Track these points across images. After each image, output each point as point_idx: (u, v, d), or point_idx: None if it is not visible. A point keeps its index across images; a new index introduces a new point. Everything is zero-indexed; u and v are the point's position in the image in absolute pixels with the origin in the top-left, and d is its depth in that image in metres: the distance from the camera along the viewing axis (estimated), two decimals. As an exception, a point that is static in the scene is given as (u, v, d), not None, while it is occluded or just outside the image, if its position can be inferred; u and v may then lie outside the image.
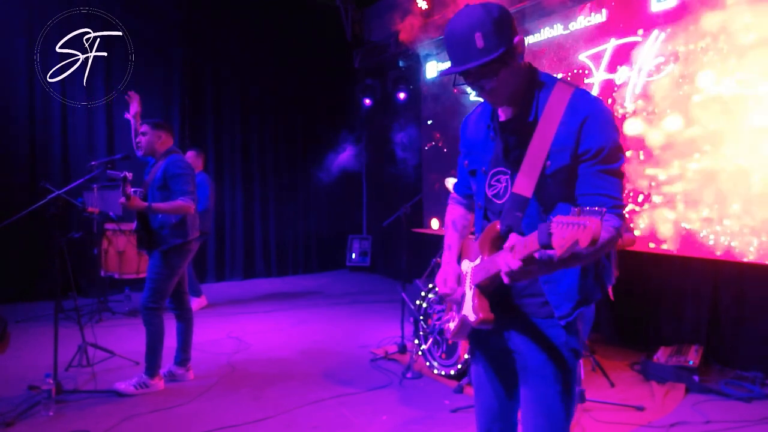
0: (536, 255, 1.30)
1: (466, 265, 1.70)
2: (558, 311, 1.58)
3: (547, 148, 1.50)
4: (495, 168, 1.66)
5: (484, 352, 1.78)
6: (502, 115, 1.64)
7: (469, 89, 1.59)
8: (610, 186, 1.48)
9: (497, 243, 1.55)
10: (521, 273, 1.32)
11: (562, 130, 1.50)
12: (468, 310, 1.59)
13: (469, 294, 1.62)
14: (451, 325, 1.74)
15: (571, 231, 1.12)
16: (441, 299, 4.00)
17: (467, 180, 1.86)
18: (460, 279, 1.71)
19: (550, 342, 1.59)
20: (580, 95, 1.52)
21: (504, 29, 1.46)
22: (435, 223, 7.33)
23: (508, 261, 1.32)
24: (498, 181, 1.65)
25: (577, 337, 1.62)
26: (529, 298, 1.62)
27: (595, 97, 1.54)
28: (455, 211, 1.93)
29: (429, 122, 7.43)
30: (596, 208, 1.13)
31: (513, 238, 1.34)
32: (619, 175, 1.50)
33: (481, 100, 1.68)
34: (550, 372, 1.59)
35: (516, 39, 1.49)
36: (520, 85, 1.56)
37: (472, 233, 1.85)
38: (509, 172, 1.61)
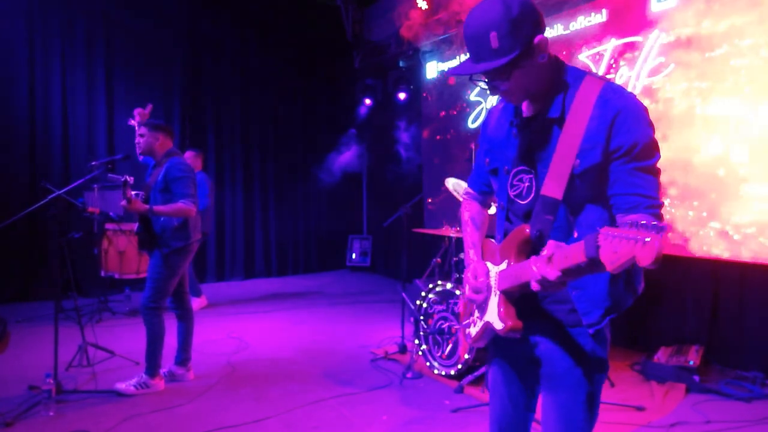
0: (581, 267, 1.21)
1: (489, 269, 1.60)
2: (587, 318, 1.49)
3: (577, 145, 1.41)
4: (517, 167, 1.57)
5: (504, 358, 1.71)
6: (527, 110, 1.56)
7: (484, 86, 1.51)
8: (645, 184, 1.38)
9: (525, 248, 1.47)
10: (557, 284, 1.26)
11: (593, 126, 1.40)
12: (493, 318, 1.51)
13: (494, 300, 1.52)
14: (473, 330, 1.66)
15: (626, 246, 1.04)
16: (445, 299, 4.00)
17: (484, 176, 1.77)
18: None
19: (577, 350, 1.52)
20: (611, 89, 1.43)
21: (522, 29, 1.37)
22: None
23: (544, 271, 1.25)
24: (520, 180, 1.56)
25: (604, 346, 1.55)
26: (556, 305, 1.54)
27: (627, 90, 1.45)
28: (471, 207, 1.83)
29: (428, 124, 7.44)
30: (654, 222, 1.03)
31: (551, 246, 1.25)
32: (655, 173, 1.40)
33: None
34: (574, 381, 1.52)
35: (537, 39, 1.39)
36: (540, 83, 1.48)
37: (490, 236, 1.77)
38: (533, 171, 1.53)
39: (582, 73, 1.49)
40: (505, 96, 1.51)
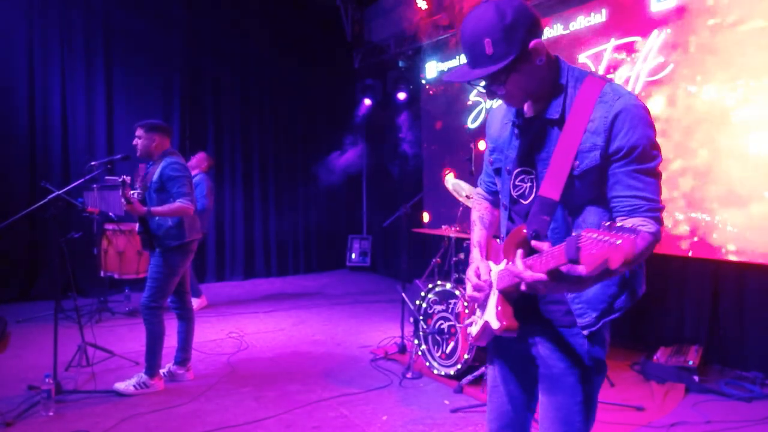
0: (563, 270, 1.21)
1: (491, 268, 1.61)
2: (581, 320, 1.50)
3: (576, 147, 1.41)
4: (519, 167, 1.57)
5: (504, 356, 1.71)
6: (528, 111, 1.56)
7: (482, 90, 1.52)
8: (645, 187, 1.37)
9: (523, 248, 1.47)
10: (544, 286, 1.26)
11: (592, 127, 1.41)
12: (491, 317, 1.51)
13: (492, 299, 1.53)
14: (474, 329, 1.66)
15: (601, 248, 1.04)
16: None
17: (490, 175, 1.77)
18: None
19: (573, 351, 1.52)
20: (611, 89, 1.42)
21: (516, 34, 1.37)
22: (426, 217, 7.33)
23: (526, 272, 1.27)
24: (522, 181, 1.57)
25: (602, 347, 1.54)
26: (553, 305, 1.54)
27: (627, 91, 1.43)
28: (481, 207, 1.83)
29: (428, 124, 7.44)
30: (630, 225, 1.05)
31: (540, 246, 1.27)
32: (656, 175, 1.39)
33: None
34: (570, 382, 1.52)
35: (532, 43, 1.39)
36: (540, 85, 1.48)
37: (497, 237, 1.76)
38: (534, 172, 1.53)
39: (583, 74, 1.49)
40: (505, 100, 1.52)
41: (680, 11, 4.23)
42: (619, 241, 1.01)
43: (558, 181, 1.42)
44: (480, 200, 1.87)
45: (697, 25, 4.13)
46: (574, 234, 1.12)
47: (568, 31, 5.18)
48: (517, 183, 1.58)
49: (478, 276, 1.58)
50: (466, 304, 3.73)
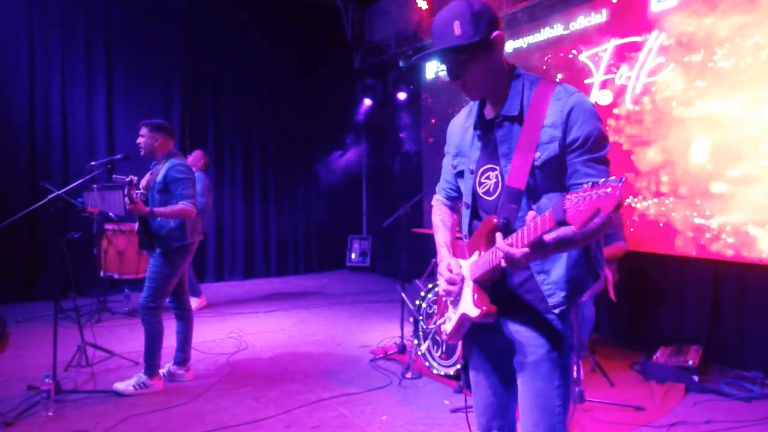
0: (549, 237, 1.37)
1: (461, 263, 1.70)
2: (552, 300, 1.61)
3: (536, 140, 1.56)
4: (484, 165, 1.70)
5: (481, 350, 1.80)
6: (489, 113, 1.71)
7: (446, 74, 1.66)
8: (599, 174, 1.54)
9: (494, 236, 1.57)
10: (525, 257, 1.38)
11: (549, 122, 1.56)
12: (468, 307, 1.60)
13: (467, 290, 1.62)
14: (448, 327, 1.73)
15: (590, 201, 1.15)
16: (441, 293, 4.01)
17: (453, 182, 1.91)
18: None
19: (547, 337, 1.62)
20: (563, 89, 1.60)
21: (482, 22, 1.54)
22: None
23: (510, 248, 1.39)
24: (488, 178, 1.69)
25: (572, 331, 1.66)
26: (527, 294, 1.64)
27: (577, 90, 1.61)
28: (441, 211, 1.97)
29: (428, 124, 7.44)
30: (613, 177, 1.16)
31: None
32: (606, 163, 1.57)
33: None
34: (547, 367, 1.61)
35: (494, 34, 1.56)
36: (498, 81, 1.64)
37: (459, 237, 1.86)
38: (498, 167, 1.65)
39: (537, 78, 1.67)
40: (464, 86, 1.65)
41: (681, 11, 4.23)
42: (608, 190, 1.13)
43: (522, 172, 1.57)
44: (440, 205, 2.00)
45: (698, 24, 4.13)
46: (557, 201, 1.25)
47: (568, 31, 5.17)
48: (482, 180, 1.71)
49: (451, 271, 1.68)
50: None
